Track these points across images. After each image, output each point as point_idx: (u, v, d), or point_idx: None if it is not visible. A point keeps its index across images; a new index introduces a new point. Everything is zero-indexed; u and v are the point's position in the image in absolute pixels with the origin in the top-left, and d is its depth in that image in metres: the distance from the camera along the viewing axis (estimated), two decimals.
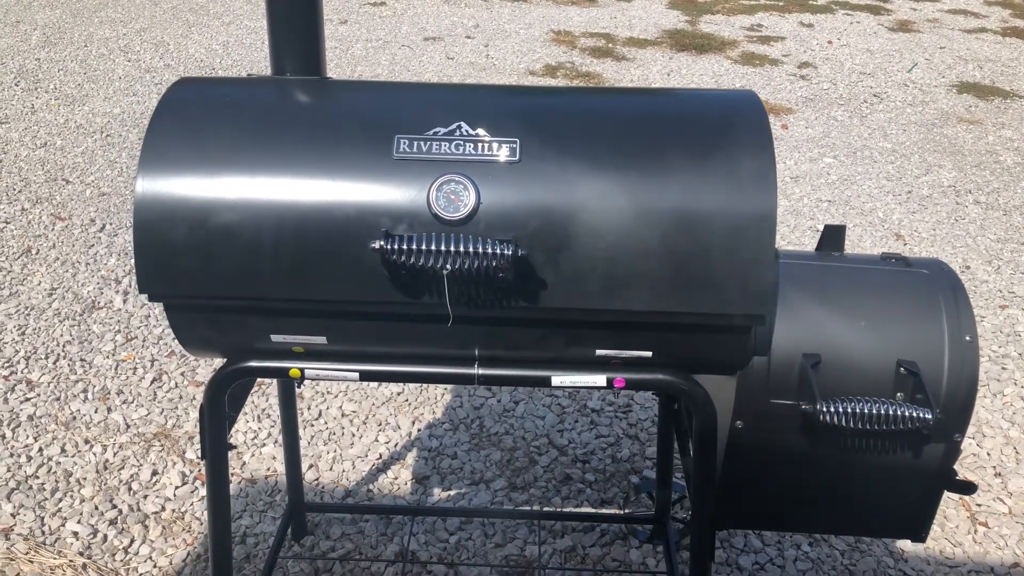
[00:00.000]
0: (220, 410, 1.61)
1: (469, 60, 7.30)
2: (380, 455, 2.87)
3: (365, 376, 1.56)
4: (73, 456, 2.80)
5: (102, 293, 3.73)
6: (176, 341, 1.96)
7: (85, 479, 2.70)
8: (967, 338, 1.55)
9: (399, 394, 3.15)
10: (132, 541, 2.48)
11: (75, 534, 2.49)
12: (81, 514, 2.57)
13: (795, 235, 4.51)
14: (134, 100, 6.05)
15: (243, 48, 7.32)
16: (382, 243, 1.33)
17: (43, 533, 2.50)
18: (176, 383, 3.18)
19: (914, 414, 1.48)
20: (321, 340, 1.50)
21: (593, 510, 2.66)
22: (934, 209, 4.87)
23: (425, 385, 3.16)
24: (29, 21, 7.81)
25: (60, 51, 7.03)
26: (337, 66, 7.01)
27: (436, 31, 8.11)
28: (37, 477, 2.71)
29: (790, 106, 6.47)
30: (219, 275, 1.41)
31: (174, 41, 7.46)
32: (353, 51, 7.41)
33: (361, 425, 3.00)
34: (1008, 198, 5.05)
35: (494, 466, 2.82)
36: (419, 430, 2.98)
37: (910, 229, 4.62)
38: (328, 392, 3.15)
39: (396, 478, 2.77)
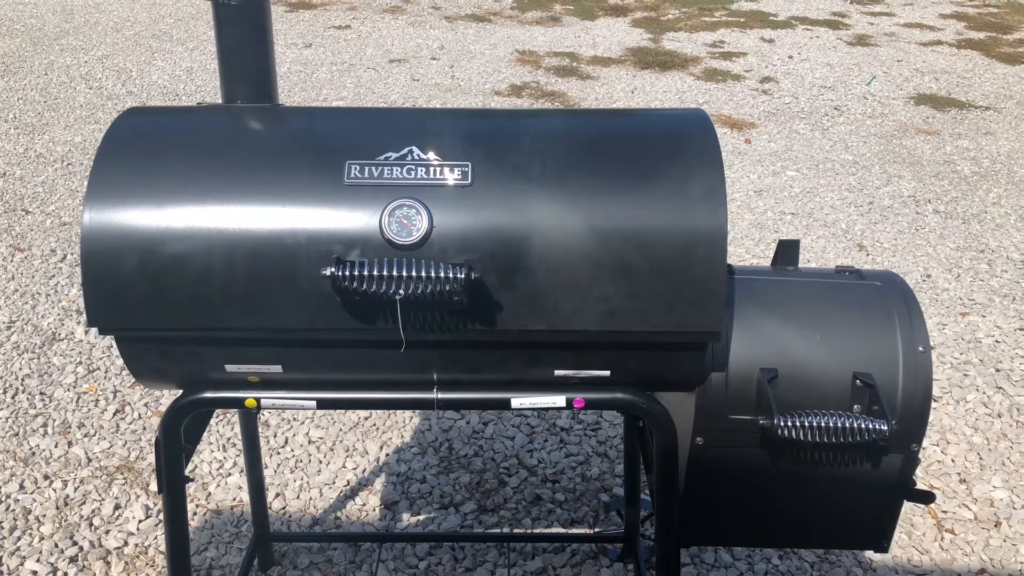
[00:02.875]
0: (176, 443, 1.59)
1: (435, 81, 7.32)
2: (348, 481, 2.84)
3: (323, 404, 1.54)
4: (32, 493, 2.74)
5: (63, 324, 3.67)
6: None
7: (45, 516, 2.64)
8: (920, 348, 1.57)
9: (367, 419, 3.12)
10: None
11: (34, 573, 2.43)
12: (40, 552, 2.51)
13: (759, 248, 4.55)
14: (96, 128, 5.99)
15: (207, 73, 7.28)
16: (333, 269, 1.32)
17: (1, 574, 2.44)
18: (139, 414, 3.13)
19: (870, 426, 1.49)
20: (277, 369, 1.49)
21: (563, 530, 2.65)
22: (895, 219, 4.94)
23: (394, 410, 3.13)
24: None
25: (20, 79, 6.95)
26: (302, 90, 7.00)
27: (401, 53, 8.14)
28: None
29: (753, 120, 6.56)
30: (170, 306, 1.39)
31: (137, 68, 7.41)
32: (318, 74, 7.40)
33: (328, 451, 2.97)
34: (966, 207, 5.14)
35: (463, 489, 2.80)
36: (387, 455, 2.95)
37: (872, 240, 4.69)
38: (294, 419, 3.11)
39: (364, 504, 2.74)
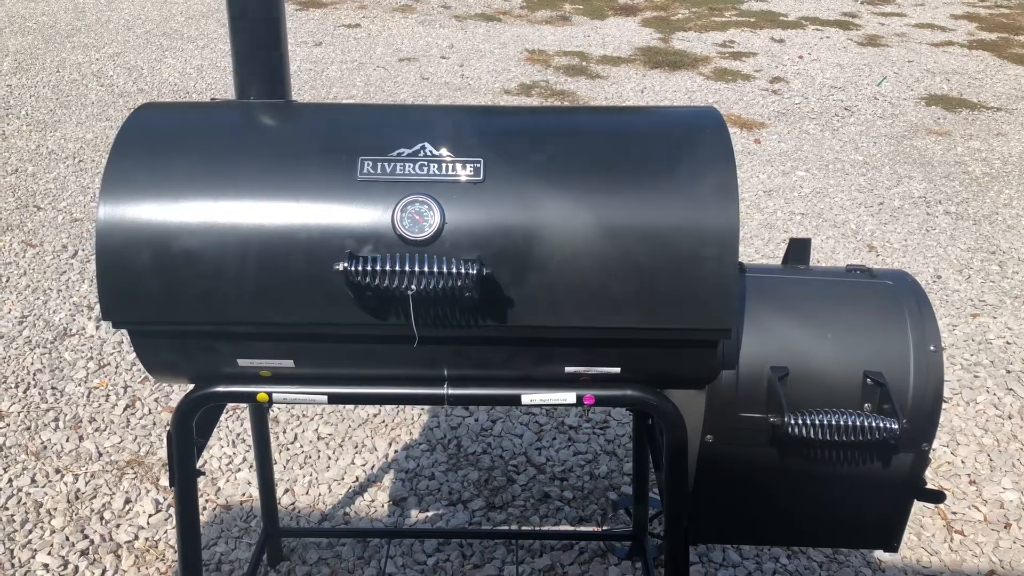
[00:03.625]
0: (188, 436, 1.60)
1: (444, 80, 7.33)
2: (357, 478, 2.85)
3: (334, 399, 1.55)
4: (44, 486, 2.76)
5: (74, 320, 3.69)
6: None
7: (56, 509, 2.66)
8: (931, 348, 1.57)
9: (376, 415, 3.13)
10: (104, 572, 2.44)
11: (45, 566, 2.45)
12: (51, 545, 2.52)
13: (769, 248, 4.54)
14: (107, 125, 6.02)
15: (217, 71, 7.31)
16: (346, 265, 1.33)
17: (12, 566, 2.45)
18: (149, 409, 3.15)
19: (881, 424, 1.49)
20: (288, 363, 1.49)
21: (571, 528, 2.65)
22: (905, 220, 4.93)
23: (401, 406, 3.15)
24: (0, 47, 7.76)
25: (32, 77, 6.99)
26: (312, 88, 7.01)
27: (411, 52, 8.15)
28: (7, 508, 2.66)
29: (763, 120, 6.55)
30: (183, 300, 1.40)
31: (148, 65, 7.44)
32: (328, 73, 7.42)
33: (337, 448, 2.97)
34: (977, 208, 5.12)
35: (472, 486, 2.80)
36: (396, 451, 2.96)
37: (882, 240, 4.67)
38: (304, 415, 3.12)
39: (373, 501, 2.75)
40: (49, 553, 2.49)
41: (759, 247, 4.56)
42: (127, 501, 2.70)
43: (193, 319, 1.41)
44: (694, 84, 7.44)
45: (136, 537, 2.57)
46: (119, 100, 6.54)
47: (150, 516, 2.64)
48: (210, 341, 1.46)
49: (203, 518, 2.65)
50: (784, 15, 10.01)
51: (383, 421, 3.10)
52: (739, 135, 6.20)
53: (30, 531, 2.58)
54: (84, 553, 2.50)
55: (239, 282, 1.38)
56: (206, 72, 7.31)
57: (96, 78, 7.04)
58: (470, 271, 1.33)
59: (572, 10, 10.11)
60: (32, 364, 3.39)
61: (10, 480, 2.78)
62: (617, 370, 1.50)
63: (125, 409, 3.14)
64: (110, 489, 2.75)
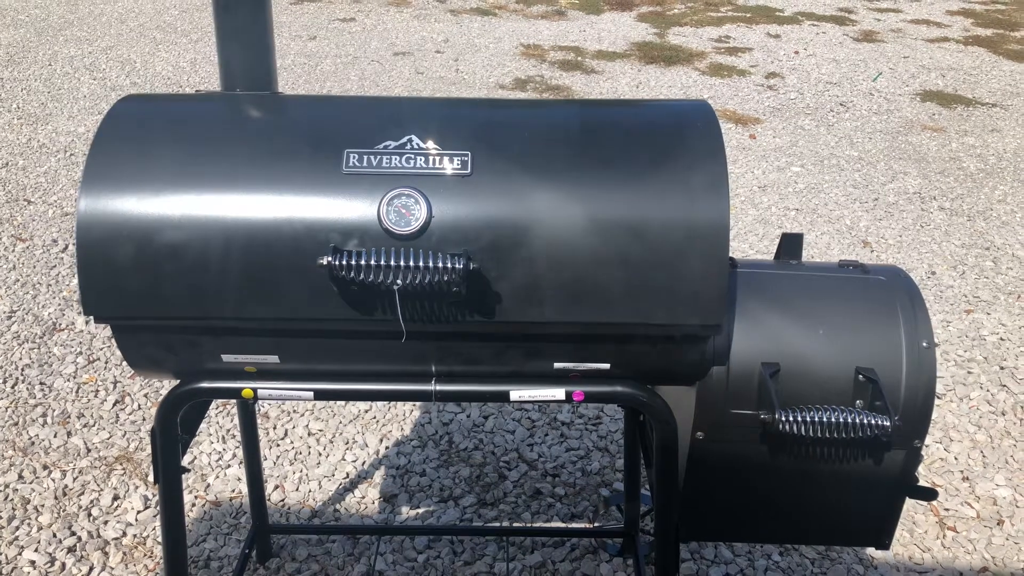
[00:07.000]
0: (172, 433, 1.58)
1: (439, 75, 7.30)
2: (347, 474, 2.83)
3: (320, 395, 1.53)
4: (31, 482, 2.73)
5: (63, 315, 3.67)
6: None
7: (43, 506, 2.64)
8: (924, 344, 1.55)
9: (367, 411, 3.11)
10: (91, 569, 2.42)
11: (32, 563, 2.43)
12: (39, 542, 2.50)
13: (763, 244, 4.53)
14: (99, 119, 5.97)
15: (211, 65, 7.27)
16: (330, 259, 1.31)
17: None
18: (139, 405, 3.12)
19: (873, 421, 1.47)
20: (274, 359, 1.47)
21: (563, 525, 2.63)
22: (900, 216, 4.92)
23: (393, 402, 3.13)
24: None
25: (24, 70, 6.94)
26: (306, 82, 6.98)
27: (406, 46, 8.11)
28: None
29: (758, 116, 6.53)
30: (166, 295, 1.38)
31: (141, 59, 7.39)
32: (322, 67, 7.38)
33: (328, 444, 2.96)
34: (972, 204, 5.11)
35: (463, 482, 2.79)
36: (387, 448, 2.94)
37: (877, 236, 4.66)
38: (294, 411, 3.10)
39: (363, 497, 2.73)
40: (36, 550, 2.47)
41: (753, 242, 4.54)
42: (115, 497, 2.68)
43: (176, 314, 1.39)
44: (689, 79, 7.42)
45: (124, 534, 2.54)
46: (111, 94, 6.49)
47: (138, 513, 2.62)
48: (193, 336, 1.44)
49: (192, 514, 2.63)
50: (780, 10, 9.99)
51: (374, 417, 3.08)
52: (734, 130, 6.18)
53: (17, 528, 2.55)
54: (71, 550, 2.48)
55: (222, 276, 1.36)
56: (200, 66, 7.27)
57: (89, 71, 7.00)
58: (457, 266, 1.31)
59: (567, 5, 10.08)
60: (20, 359, 3.36)
61: None
62: (607, 366, 1.48)
63: (114, 404, 3.12)
64: (98, 485, 2.73)
